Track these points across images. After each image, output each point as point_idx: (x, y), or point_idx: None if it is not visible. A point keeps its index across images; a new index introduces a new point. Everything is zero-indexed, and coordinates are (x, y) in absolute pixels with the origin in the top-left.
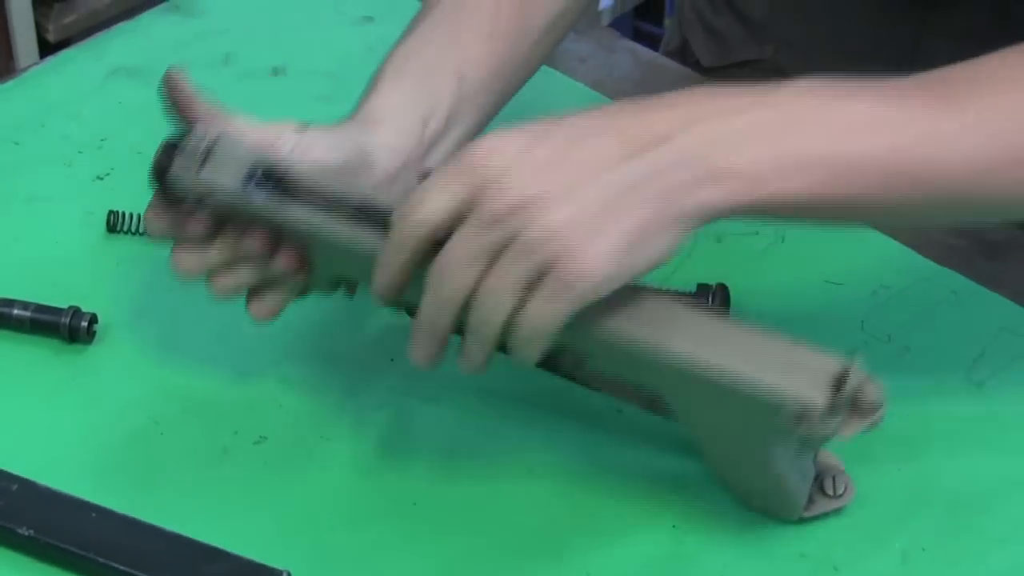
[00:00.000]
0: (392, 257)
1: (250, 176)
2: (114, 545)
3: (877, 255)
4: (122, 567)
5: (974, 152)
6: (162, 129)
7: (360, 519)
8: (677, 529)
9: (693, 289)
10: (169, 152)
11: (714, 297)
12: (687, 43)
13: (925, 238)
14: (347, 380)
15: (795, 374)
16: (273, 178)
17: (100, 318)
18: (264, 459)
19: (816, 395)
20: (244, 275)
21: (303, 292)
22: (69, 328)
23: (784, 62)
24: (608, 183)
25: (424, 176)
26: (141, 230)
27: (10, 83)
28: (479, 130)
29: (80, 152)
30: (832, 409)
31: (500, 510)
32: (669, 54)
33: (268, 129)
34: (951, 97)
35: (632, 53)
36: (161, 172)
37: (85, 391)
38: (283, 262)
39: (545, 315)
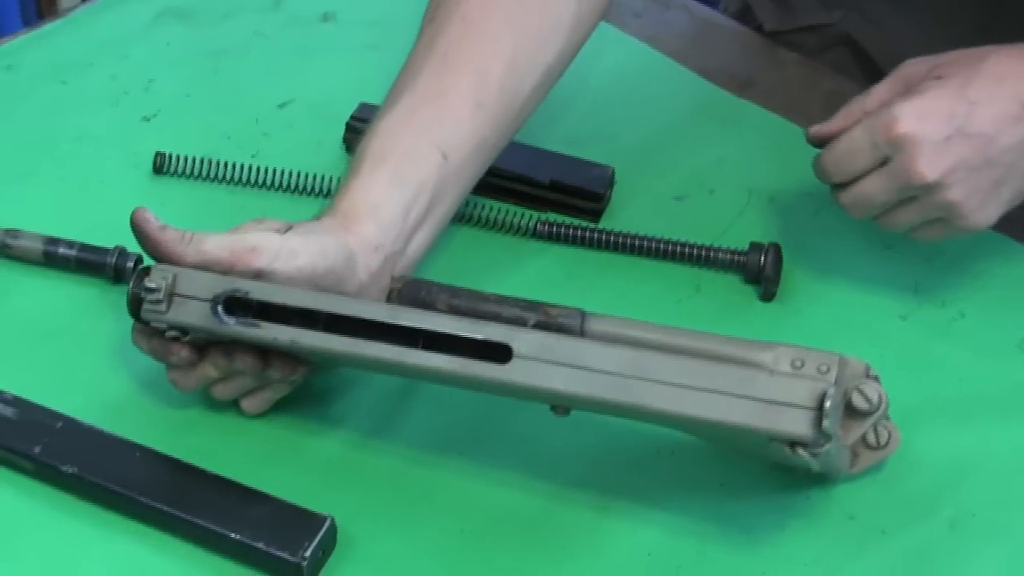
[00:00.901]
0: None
1: (214, 308)
2: (157, 485)
3: None
4: (164, 507)
5: None
6: (210, 72)
7: (404, 468)
8: (724, 488)
9: (745, 247)
10: (138, 288)
11: (766, 255)
12: (748, 6)
13: None
14: None
15: (776, 412)
16: (239, 304)
17: (145, 258)
18: (306, 407)
19: (801, 428)
20: (242, 382)
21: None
22: (114, 268)
23: (851, 27)
24: (1000, 155)
25: (399, 283)
26: (187, 171)
27: (57, 23)
28: (459, 203)
29: (127, 93)
30: (822, 432)
31: (546, 465)
32: (729, 15)
33: (243, 241)
34: None
35: (687, 10)
36: (135, 308)
37: (130, 333)
38: (277, 370)
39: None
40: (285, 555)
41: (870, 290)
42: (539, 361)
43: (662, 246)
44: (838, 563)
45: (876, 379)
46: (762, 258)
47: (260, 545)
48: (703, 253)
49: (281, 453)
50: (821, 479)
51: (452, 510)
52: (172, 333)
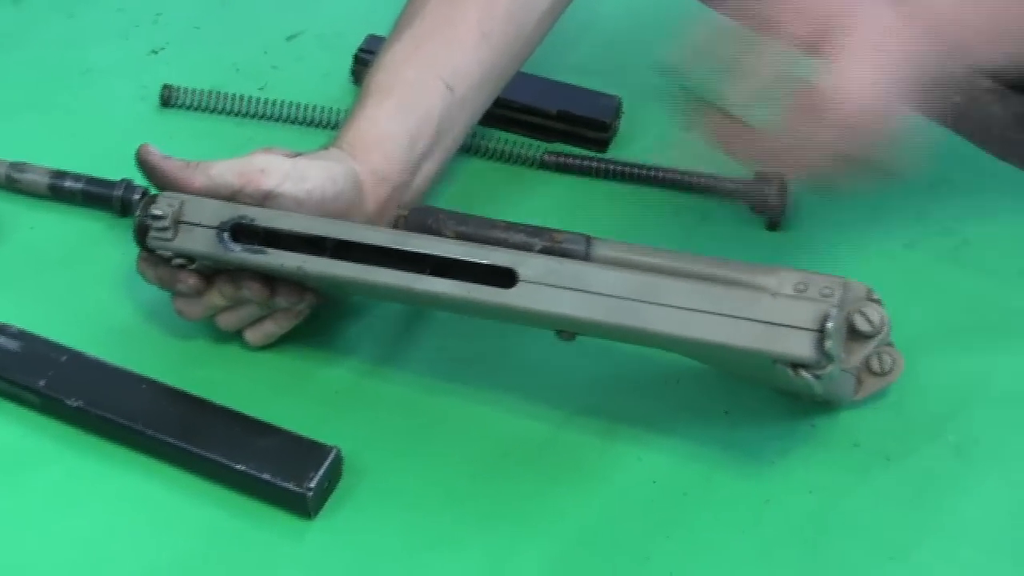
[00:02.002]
0: None
1: (220, 235)
2: (163, 418)
3: (936, 149)
4: (171, 439)
5: None
6: (219, 5)
7: (410, 398)
8: (730, 416)
9: (751, 176)
10: (144, 216)
11: (772, 185)
12: None
13: (986, 133)
14: None
15: (779, 334)
16: (245, 231)
17: (151, 191)
18: (312, 337)
19: (804, 350)
20: (247, 312)
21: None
22: (121, 200)
23: None
24: None
25: (405, 211)
26: (195, 104)
27: None
28: (466, 134)
29: (136, 26)
30: (825, 353)
31: (551, 394)
32: None
33: (252, 163)
34: None
35: None
36: (141, 236)
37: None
38: (283, 297)
39: None
40: (290, 485)
41: (875, 218)
42: (544, 285)
43: (669, 175)
44: (842, 489)
45: (878, 302)
46: (768, 187)
47: (266, 476)
48: (710, 183)
49: (287, 384)
50: (826, 405)
51: (459, 439)
52: (178, 261)
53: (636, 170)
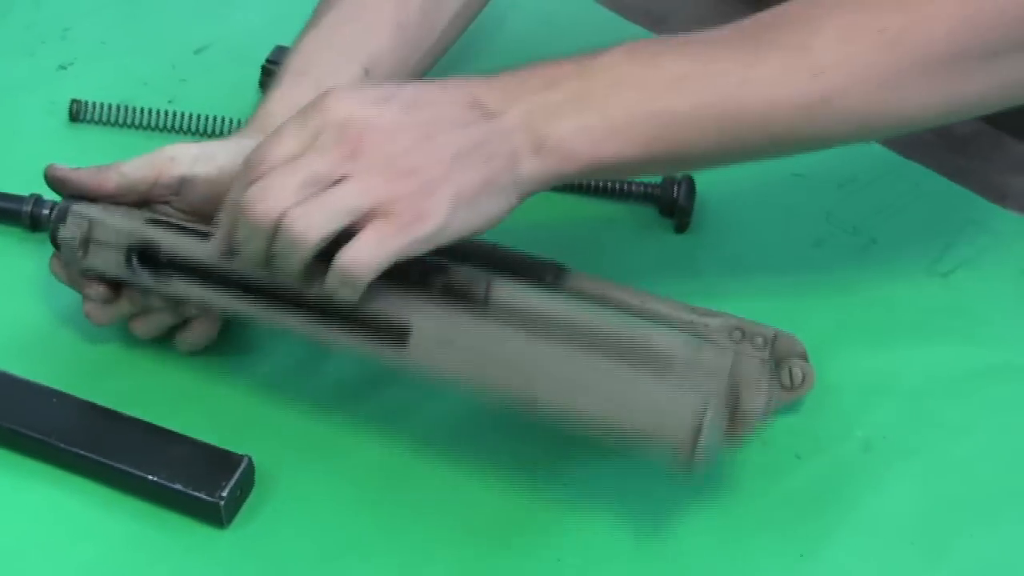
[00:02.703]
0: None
1: (128, 260)
2: (74, 430)
3: (843, 148)
4: (82, 451)
5: (789, 92)
6: (127, 19)
7: (322, 408)
8: None
9: (659, 180)
10: (56, 229)
11: (679, 188)
12: None
13: None
14: None
15: (661, 418)
16: (151, 259)
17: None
18: (224, 346)
19: (682, 438)
20: (159, 319)
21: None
22: (31, 216)
23: None
24: (446, 144)
25: None
26: (105, 119)
27: None
28: None
29: (43, 42)
30: (701, 441)
31: (462, 398)
32: None
33: (161, 153)
34: (761, 41)
35: None
36: (55, 245)
37: (47, 279)
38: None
39: (366, 254)
40: (202, 495)
41: (783, 218)
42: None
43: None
44: (753, 490)
45: (803, 357)
46: (675, 189)
47: (177, 486)
48: (617, 187)
49: (198, 393)
50: None
51: (370, 445)
52: (91, 276)
53: None
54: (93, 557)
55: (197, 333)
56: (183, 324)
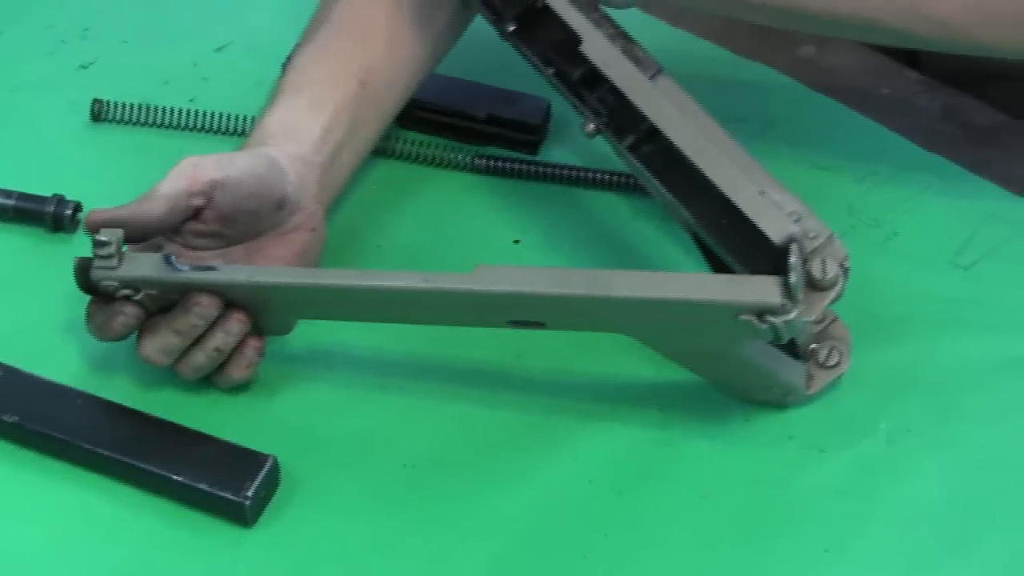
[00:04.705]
0: None
1: (167, 257)
2: (99, 431)
3: (865, 141)
4: (108, 452)
5: None
6: (148, 18)
7: (346, 405)
8: (663, 413)
9: None
10: (84, 263)
11: None
12: None
13: (913, 124)
14: None
15: (744, 286)
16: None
17: (84, 206)
18: None
19: (769, 294)
20: (204, 356)
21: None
22: (54, 216)
23: None
24: None
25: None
26: (126, 118)
27: None
28: (384, 128)
29: (64, 41)
30: (789, 298)
31: (486, 397)
32: None
33: (188, 164)
34: None
35: None
36: (85, 281)
37: (70, 280)
38: (235, 322)
39: None
40: (228, 495)
41: None
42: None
43: (600, 176)
44: (778, 482)
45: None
46: None
47: (203, 486)
48: (639, 182)
49: (223, 394)
50: (781, 404)
51: (394, 444)
52: (124, 293)
53: (567, 172)
54: (119, 557)
55: (239, 366)
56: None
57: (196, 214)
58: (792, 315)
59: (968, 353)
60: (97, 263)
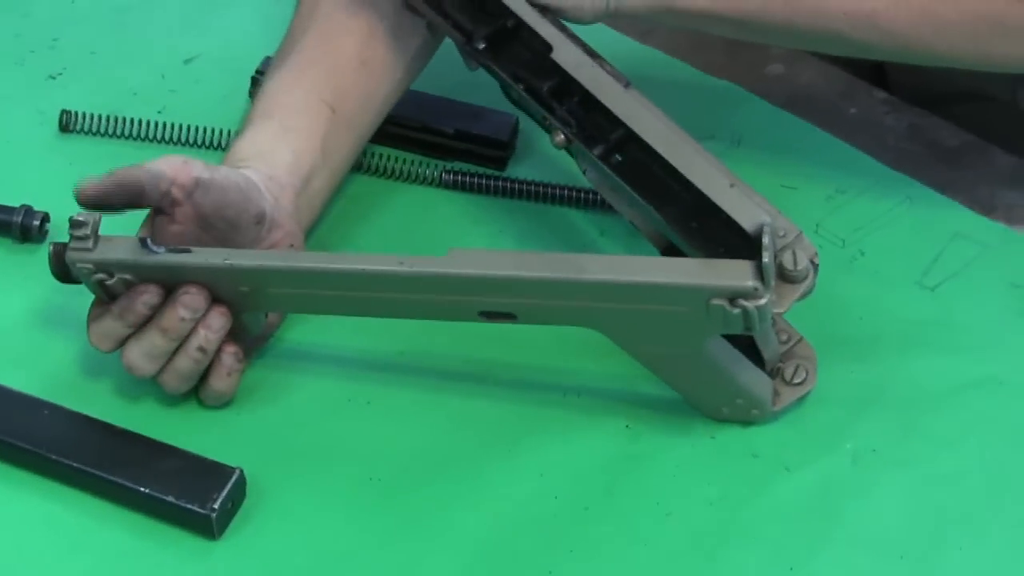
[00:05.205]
0: None
1: (143, 240)
2: (66, 442)
3: (832, 160)
4: (74, 464)
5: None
6: (116, 29)
7: (313, 418)
8: (630, 429)
9: None
10: (59, 248)
11: None
12: None
13: (880, 143)
14: None
15: (716, 269)
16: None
17: (52, 217)
18: None
19: (742, 277)
20: (186, 364)
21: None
22: (21, 227)
23: None
24: None
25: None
26: (93, 129)
27: None
28: (358, 151)
29: (32, 51)
30: (762, 281)
31: (454, 411)
32: None
33: (175, 156)
34: None
35: None
36: (60, 266)
37: (37, 291)
38: (217, 315)
39: None
40: (194, 507)
41: None
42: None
43: (567, 192)
44: (742, 500)
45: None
46: None
47: (170, 498)
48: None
49: (189, 406)
50: (746, 420)
51: (361, 459)
52: (98, 276)
53: (534, 187)
54: (85, 569)
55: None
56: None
57: (171, 209)
58: (763, 300)
59: (933, 373)
60: (73, 244)
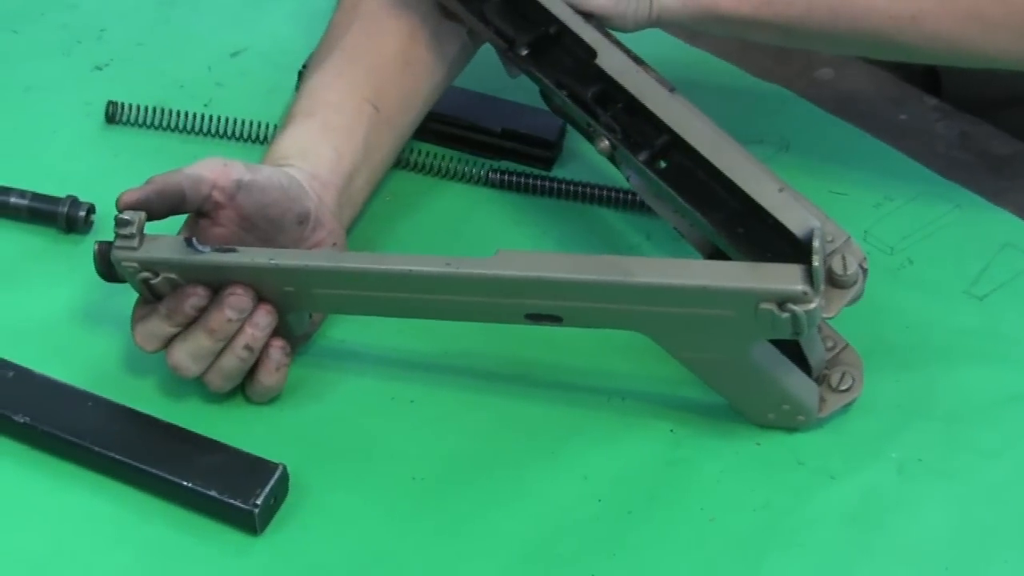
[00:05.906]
0: None
1: (188, 239)
2: (109, 434)
3: (881, 167)
4: (117, 456)
5: (887, 3)
6: (163, 21)
7: (356, 416)
8: (674, 434)
9: None
10: (104, 247)
11: None
12: None
13: (930, 150)
14: None
15: (765, 273)
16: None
17: (98, 208)
18: None
19: (792, 281)
20: (231, 362)
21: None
22: (67, 217)
23: None
24: None
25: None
26: (139, 121)
27: None
28: (398, 150)
29: (79, 42)
30: (811, 285)
31: (497, 412)
32: None
33: (214, 160)
34: None
35: None
36: (105, 265)
37: (82, 281)
38: (264, 313)
39: None
40: (237, 502)
41: None
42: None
43: (614, 194)
44: (787, 508)
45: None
46: None
47: (213, 493)
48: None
49: (234, 401)
50: (792, 426)
51: (405, 458)
52: (143, 275)
53: (581, 188)
54: (127, 562)
55: (266, 372)
56: (252, 372)
57: (213, 212)
58: (813, 304)
59: (981, 384)
60: (118, 243)
